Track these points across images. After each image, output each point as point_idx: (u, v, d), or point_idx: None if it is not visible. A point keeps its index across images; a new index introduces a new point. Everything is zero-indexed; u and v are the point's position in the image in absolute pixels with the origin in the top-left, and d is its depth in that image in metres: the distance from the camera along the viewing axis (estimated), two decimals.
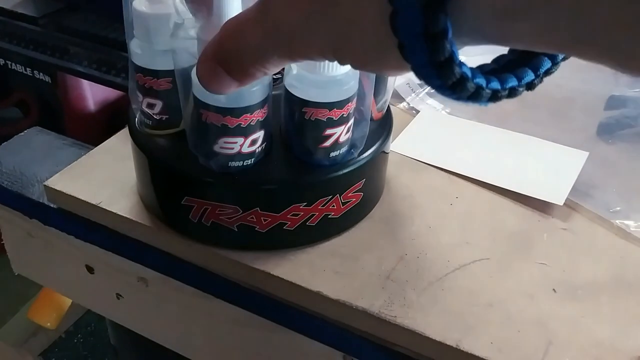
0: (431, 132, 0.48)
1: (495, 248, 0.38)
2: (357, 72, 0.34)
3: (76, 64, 0.59)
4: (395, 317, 0.33)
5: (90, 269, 0.46)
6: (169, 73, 0.34)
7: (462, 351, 0.32)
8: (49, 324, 0.71)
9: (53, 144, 0.48)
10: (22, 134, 0.49)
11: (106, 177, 0.42)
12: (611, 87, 0.50)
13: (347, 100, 0.34)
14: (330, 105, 0.34)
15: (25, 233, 0.47)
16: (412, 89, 0.53)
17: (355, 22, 0.20)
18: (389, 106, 0.41)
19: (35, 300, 0.71)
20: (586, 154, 0.45)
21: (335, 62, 0.33)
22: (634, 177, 0.44)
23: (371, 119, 0.39)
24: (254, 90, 0.32)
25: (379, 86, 0.39)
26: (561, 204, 0.41)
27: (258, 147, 0.34)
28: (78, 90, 0.66)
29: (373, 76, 0.35)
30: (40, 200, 0.43)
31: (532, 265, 0.37)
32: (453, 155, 0.45)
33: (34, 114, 0.71)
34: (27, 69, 0.66)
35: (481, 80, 0.20)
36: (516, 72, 0.21)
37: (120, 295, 0.46)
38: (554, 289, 0.36)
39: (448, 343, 0.32)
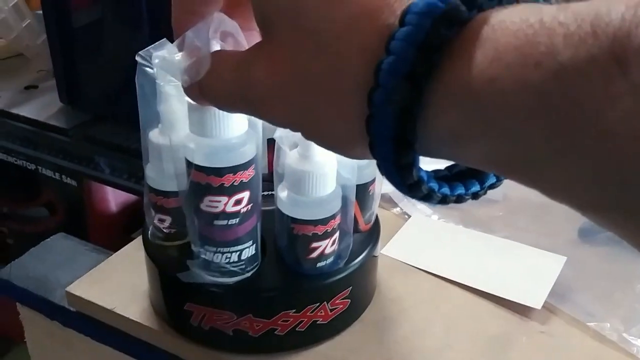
0: (421, 237, 0.52)
1: (476, 351, 0.41)
2: (340, 192, 0.39)
3: (100, 172, 0.65)
4: None
5: None
6: (178, 193, 0.39)
7: None
8: None
9: (76, 249, 0.53)
10: (48, 240, 0.54)
11: (121, 283, 0.46)
12: None
13: (331, 218, 0.38)
14: (315, 222, 0.38)
15: (47, 332, 0.51)
16: (404, 195, 0.57)
17: (331, 109, 0.22)
18: (377, 217, 0.45)
19: None
20: (564, 258, 0.48)
21: (321, 185, 0.37)
22: (610, 281, 0.47)
23: (359, 231, 0.43)
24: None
25: (366, 202, 0.43)
26: (539, 307, 0.44)
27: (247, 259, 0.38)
28: (101, 194, 0.72)
29: (353, 194, 0.40)
30: (62, 304, 0.47)
31: None
32: (440, 259, 0.49)
33: (60, 214, 0.77)
34: (56, 173, 0.72)
35: (434, 185, 0.22)
36: (465, 182, 0.25)
37: None
38: None
39: None
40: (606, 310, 0.44)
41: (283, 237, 0.39)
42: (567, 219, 0.53)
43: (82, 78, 0.71)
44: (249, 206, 0.37)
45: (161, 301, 0.42)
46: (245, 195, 0.36)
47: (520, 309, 0.44)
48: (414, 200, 0.56)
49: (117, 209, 0.74)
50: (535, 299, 0.44)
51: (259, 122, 0.36)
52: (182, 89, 0.38)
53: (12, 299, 0.50)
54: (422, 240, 0.51)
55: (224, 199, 0.36)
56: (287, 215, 0.38)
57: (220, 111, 0.33)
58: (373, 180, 0.43)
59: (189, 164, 0.35)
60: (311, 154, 0.37)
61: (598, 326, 0.43)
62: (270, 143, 0.42)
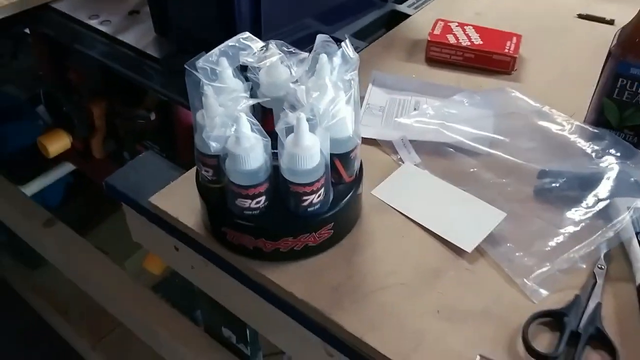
0: (404, 183, 0.68)
1: (413, 277, 0.59)
2: (323, 162, 0.55)
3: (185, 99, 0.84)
4: (330, 313, 0.56)
5: (176, 248, 0.72)
6: (215, 156, 0.57)
7: (363, 342, 0.54)
8: (156, 272, 1.02)
9: (160, 165, 0.74)
10: (140, 155, 0.75)
11: (185, 199, 0.66)
12: (542, 162, 0.66)
13: (316, 181, 0.55)
14: (304, 185, 0.55)
15: (138, 221, 0.74)
16: (404, 145, 0.72)
17: None
18: (359, 171, 0.62)
19: (148, 254, 1.02)
20: (504, 214, 0.62)
21: (309, 161, 0.54)
22: (535, 235, 0.61)
23: (344, 182, 0.60)
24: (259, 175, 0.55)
25: (348, 164, 0.59)
26: (469, 251, 0.60)
27: (262, 205, 0.57)
28: (186, 113, 0.91)
29: (328, 165, 0.56)
30: (147, 207, 0.69)
31: (431, 291, 0.57)
32: (412, 203, 0.65)
33: (157, 118, 0.98)
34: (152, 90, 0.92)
35: None
36: None
37: (193, 267, 0.71)
38: (438, 311, 0.56)
39: (356, 334, 0.54)
40: (521, 259, 0.59)
41: (284, 191, 0.57)
42: (521, 182, 0.66)
43: (171, 12, 0.87)
44: (266, 203, 0.57)
45: (208, 223, 0.63)
46: (262, 198, 0.57)
47: (458, 249, 0.61)
48: (410, 148, 0.71)
49: None
50: (469, 243, 0.60)
51: None
52: (216, 90, 0.56)
53: (117, 199, 0.73)
54: (404, 186, 0.67)
55: (249, 201, 0.56)
56: (286, 179, 0.56)
57: (246, 155, 0.53)
58: (354, 149, 0.59)
59: (229, 180, 0.55)
60: (301, 141, 0.54)
61: (510, 271, 0.59)
62: (267, 110, 0.59)
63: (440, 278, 0.59)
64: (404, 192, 0.67)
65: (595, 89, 0.69)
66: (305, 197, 0.56)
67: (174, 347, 0.97)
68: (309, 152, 0.54)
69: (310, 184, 0.56)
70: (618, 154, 0.65)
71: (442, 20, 0.90)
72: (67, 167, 1.41)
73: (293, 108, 0.55)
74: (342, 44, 0.56)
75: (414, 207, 0.65)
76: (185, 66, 0.55)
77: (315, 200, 0.57)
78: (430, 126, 0.73)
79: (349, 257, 0.61)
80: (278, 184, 0.58)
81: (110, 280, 1.08)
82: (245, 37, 0.59)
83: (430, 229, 0.63)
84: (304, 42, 0.63)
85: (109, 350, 1.30)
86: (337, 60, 0.57)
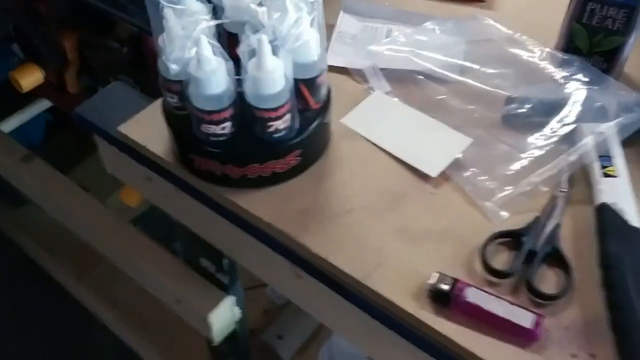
0: (373, 111, 0.68)
1: (377, 201, 0.60)
2: (287, 88, 0.55)
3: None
4: (297, 236, 0.57)
5: (148, 178, 0.72)
6: (179, 82, 0.57)
7: (328, 261, 0.55)
8: (132, 204, 1.03)
9: (129, 95, 0.73)
10: (109, 86, 0.75)
11: (154, 127, 0.66)
12: (510, 89, 0.66)
13: (281, 106, 0.56)
14: (269, 110, 0.55)
15: (109, 150, 0.74)
16: (375, 73, 0.71)
17: None
18: (327, 99, 0.62)
19: (125, 188, 1.03)
20: (470, 140, 0.63)
21: (271, 85, 0.54)
22: (498, 160, 0.62)
23: (311, 109, 0.60)
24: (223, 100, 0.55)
25: (315, 89, 0.59)
26: (434, 176, 0.61)
27: (227, 131, 0.57)
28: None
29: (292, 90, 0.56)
30: (116, 137, 0.69)
31: (395, 214, 0.58)
32: (381, 130, 0.65)
33: (128, 49, 0.97)
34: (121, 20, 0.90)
35: None
36: None
37: (166, 196, 0.72)
38: (400, 232, 0.57)
39: (321, 255, 0.55)
40: (484, 182, 0.60)
41: (250, 117, 0.57)
42: (489, 108, 0.66)
43: None
44: (232, 129, 0.57)
45: (176, 150, 0.63)
46: (228, 124, 0.56)
47: (423, 175, 0.62)
48: (381, 78, 0.71)
49: None
50: (434, 168, 0.61)
51: None
52: (177, 13, 0.55)
53: (87, 129, 0.73)
54: (373, 114, 0.67)
55: (214, 126, 0.56)
56: (251, 104, 0.56)
57: (210, 78, 0.53)
58: (320, 74, 0.59)
59: (192, 105, 0.55)
60: (263, 63, 0.53)
61: (473, 194, 0.60)
62: (232, 36, 0.58)
63: (404, 201, 0.60)
64: (373, 120, 0.67)
65: (566, 14, 0.68)
66: (270, 123, 0.57)
67: (154, 278, 0.99)
68: (271, 75, 0.54)
69: (275, 109, 0.56)
70: (586, 80, 0.65)
71: None
72: (45, 104, 1.39)
73: (256, 31, 0.54)
74: None
75: (383, 134, 0.65)
76: None
77: (281, 126, 0.57)
78: (401, 54, 0.72)
79: (316, 183, 0.62)
80: (245, 110, 0.58)
81: (90, 215, 1.08)
82: None
83: (397, 155, 0.63)
84: None
85: (94, 284, 1.33)
86: None
